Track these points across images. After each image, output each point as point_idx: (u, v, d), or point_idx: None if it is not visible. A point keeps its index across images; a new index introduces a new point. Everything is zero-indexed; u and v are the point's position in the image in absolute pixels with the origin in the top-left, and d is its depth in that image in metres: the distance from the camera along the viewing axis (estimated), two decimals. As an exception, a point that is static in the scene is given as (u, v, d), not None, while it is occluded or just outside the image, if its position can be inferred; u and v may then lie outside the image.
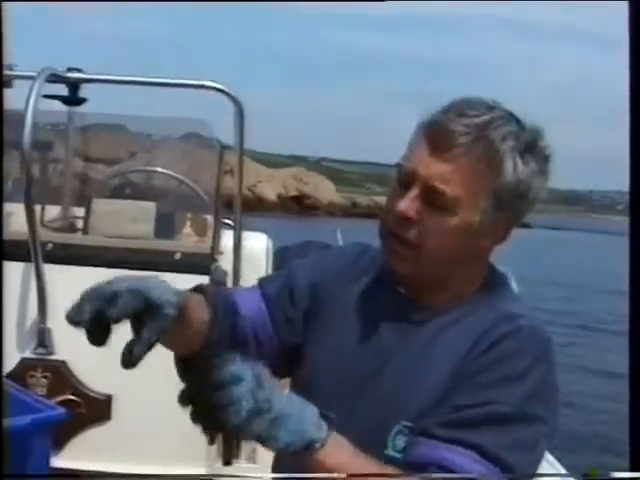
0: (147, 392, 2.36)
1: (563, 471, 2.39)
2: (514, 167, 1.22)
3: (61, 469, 1.99)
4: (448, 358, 1.23)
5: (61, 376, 2.36)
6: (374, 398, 1.29)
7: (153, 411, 2.36)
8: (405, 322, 1.31)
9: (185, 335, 1.22)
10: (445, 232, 1.23)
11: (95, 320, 1.07)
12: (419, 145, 1.25)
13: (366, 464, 1.15)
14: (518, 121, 1.25)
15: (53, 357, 2.39)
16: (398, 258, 1.27)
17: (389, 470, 1.16)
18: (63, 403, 2.19)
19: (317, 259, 1.49)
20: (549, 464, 2.56)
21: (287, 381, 1.36)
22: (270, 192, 48.46)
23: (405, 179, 1.25)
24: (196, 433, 2.34)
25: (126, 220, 2.70)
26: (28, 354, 2.39)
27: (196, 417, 1.12)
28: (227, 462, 2.37)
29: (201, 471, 2.31)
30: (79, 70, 2.67)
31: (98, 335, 1.10)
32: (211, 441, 1.18)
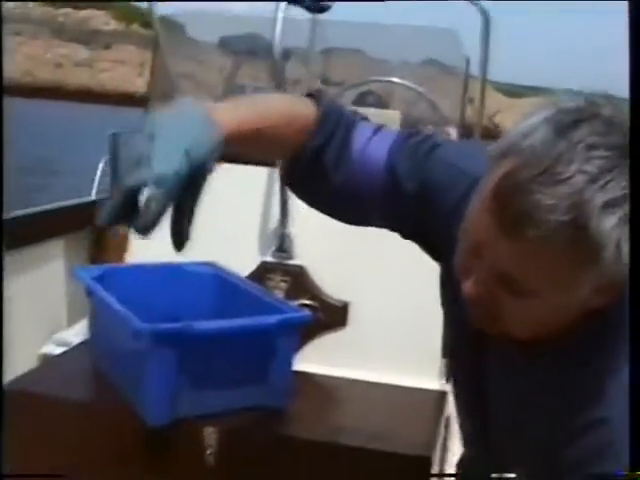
0: (384, 301, 2.35)
1: None
2: (618, 252, 0.89)
3: (295, 372, 2.02)
4: (547, 413, 1.07)
5: (299, 281, 2.40)
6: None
7: (389, 320, 2.35)
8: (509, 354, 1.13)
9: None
10: (527, 317, 1.01)
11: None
12: (487, 208, 0.96)
13: None
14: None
15: (292, 262, 2.43)
16: (482, 325, 1.08)
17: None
18: (300, 308, 2.22)
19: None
20: None
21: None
22: (509, 122, 47.70)
23: (470, 248, 1.01)
24: (432, 346, 2.34)
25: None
26: (268, 258, 2.45)
27: None
28: (447, 379, 2.34)
29: (434, 385, 2.27)
30: (322, -24, 2.65)
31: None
32: None
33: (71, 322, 3.28)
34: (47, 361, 2.43)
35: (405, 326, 2.33)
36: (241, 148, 1.16)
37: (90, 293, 2.05)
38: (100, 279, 2.06)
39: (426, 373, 2.28)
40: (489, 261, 0.97)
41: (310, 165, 1.24)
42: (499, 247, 0.95)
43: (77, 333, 2.95)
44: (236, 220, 2.47)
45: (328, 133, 1.22)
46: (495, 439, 1.20)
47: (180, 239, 1.09)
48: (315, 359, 2.25)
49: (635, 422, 0.88)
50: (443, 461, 2.29)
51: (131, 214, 1.02)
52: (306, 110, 1.23)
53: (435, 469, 1.93)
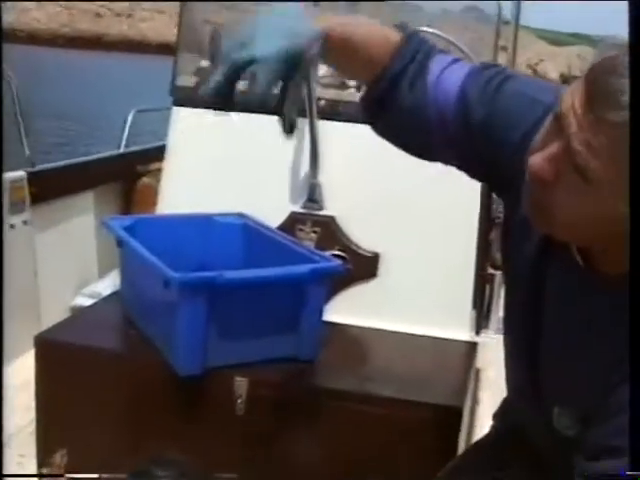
0: (415, 252, 2.33)
1: None
2: None
3: (326, 323, 2.02)
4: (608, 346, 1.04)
5: (330, 231, 2.38)
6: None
7: (420, 272, 2.33)
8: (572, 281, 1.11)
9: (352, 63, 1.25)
10: (579, 211, 0.97)
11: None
12: (580, 87, 0.94)
13: None
14: None
15: (322, 212, 2.41)
16: (532, 214, 1.05)
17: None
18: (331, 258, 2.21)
19: None
20: None
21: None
22: (552, 70, 47.32)
23: (552, 127, 0.98)
24: (462, 297, 2.32)
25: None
26: (298, 208, 2.43)
27: None
28: (477, 332, 2.32)
29: (464, 337, 2.26)
30: None
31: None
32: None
33: (102, 274, 3.30)
34: (78, 312, 2.45)
35: (435, 277, 2.31)
36: (331, 52, 1.20)
37: (121, 243, 2.05)
38: (130, 229, 2.06)
39: (456, 324, 2.27)
40: (566, 139, 0.94)
41: (387, 89, 1.25)
42: (581, 125, 0.92)
43: (107, 285, 2.97)
44: (266, 170, 2.45)
45: (407, 59, 1.24)
46: (546, 377, 1.19)
47: (287, 121, 1.17)
48: (345, 310, 2.24)
49: (635, 422, 0.86)
50: (473, 412, 2.28)
51: (230, 94, 1.13)
52: (391, 35, 1.26)
53: (465, 420, 1.93)
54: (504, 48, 2.93)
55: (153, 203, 2.85)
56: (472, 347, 2.21)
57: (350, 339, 2.20)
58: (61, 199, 3.12)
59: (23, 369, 2.36)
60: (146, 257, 1.84)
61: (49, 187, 3.01)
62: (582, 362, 1.09)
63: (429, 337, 2.18)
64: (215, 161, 2.48)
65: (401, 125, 1.27)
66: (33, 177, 2.91)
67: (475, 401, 2.36)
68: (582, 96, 0.93)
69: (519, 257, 1.21)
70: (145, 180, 3.57)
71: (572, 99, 0.95)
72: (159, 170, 2.90)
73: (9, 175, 2.80)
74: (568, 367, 1.13)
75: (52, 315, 2.53)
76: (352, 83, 2.81)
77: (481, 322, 2.42)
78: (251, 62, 1.10)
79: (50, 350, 1.98)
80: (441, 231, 2.31)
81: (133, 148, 4.06)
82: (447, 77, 1.23)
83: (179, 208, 2.37)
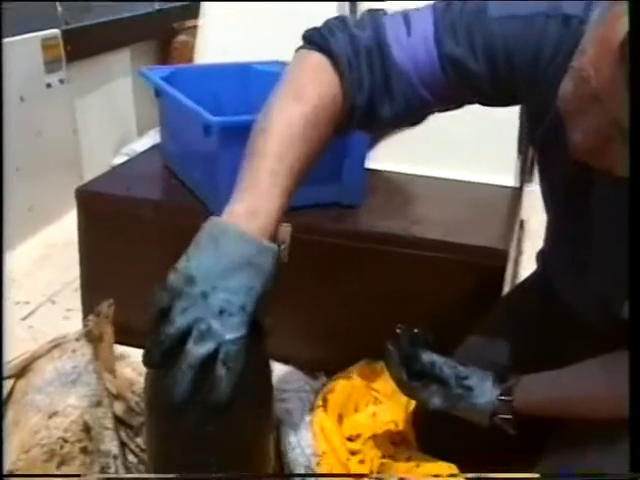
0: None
1: None
2: None
3: (369, 170, 1.99)
4: None
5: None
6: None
7: (465, 118, 2.25)
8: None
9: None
10: None
11: None
12: (617, 58, 0.81)
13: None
14: None
15: None
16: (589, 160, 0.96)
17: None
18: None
19: None
20: None
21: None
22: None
23: (588, 95, 0.87)
24: (508, 144, 2.25)
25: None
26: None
27: None
28: (521, 183, 2.28)
29: (509, 182, 2.21)
30: None
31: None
32: None
33: (140, 133, 3.28)
34: (119, 166, 2.44)
35: (481, 123, 2.24)
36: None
37: (159, 92, 2.01)
38: (168, 80, 2.02)
39: (502, 170, 2.22)
40: (609, 113, 0.86)
41: (365, 114, 1.15)
42: (621, 102, 0.82)
43: (146, 144, 2.95)
44: (307, 22, 2.38)
45: (367, 83, 1.12)
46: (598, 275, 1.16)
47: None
48: (389, 157, 2.21)
49: (635, 422, 0.83)
50: (517, 262, 2.27)
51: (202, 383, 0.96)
52: (324, 84, 1.13)
53: (510, 267, 1.91)
54: None
55: (190, 60, 2.78)
56: (518, 193, 2.17)
57: (395, 186, 2.16)
58: (97, 57, 3.07)
59: (65, 229, 2.38)
60: (185, 104, 1.81)
61: (84, 45, 2.95)
62: None
63: (474, 183, 2.14)
64: (253, 10, 2.40)
65: (395, 120, 1.19)
66: (68, 35, 2.86)
67: (519, 252, 2.34)
68: (621, 72, 0.81)
69: (554, 158, 1.15)
70: (181, 37, 3.51)
71: (608, 74, 0.83)
72: (195, 27, 2.83)
73: (42, 33, 2.75)
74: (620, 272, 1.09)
75: (94, 174, 2.53)
76: None
77: (525, 173, 2.37)
78: (215, 353, 0.94)
79: (92, 202, 1.98)
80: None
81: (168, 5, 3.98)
82: (415, 51, 1.11)
83: (217, 60, 2.32)
